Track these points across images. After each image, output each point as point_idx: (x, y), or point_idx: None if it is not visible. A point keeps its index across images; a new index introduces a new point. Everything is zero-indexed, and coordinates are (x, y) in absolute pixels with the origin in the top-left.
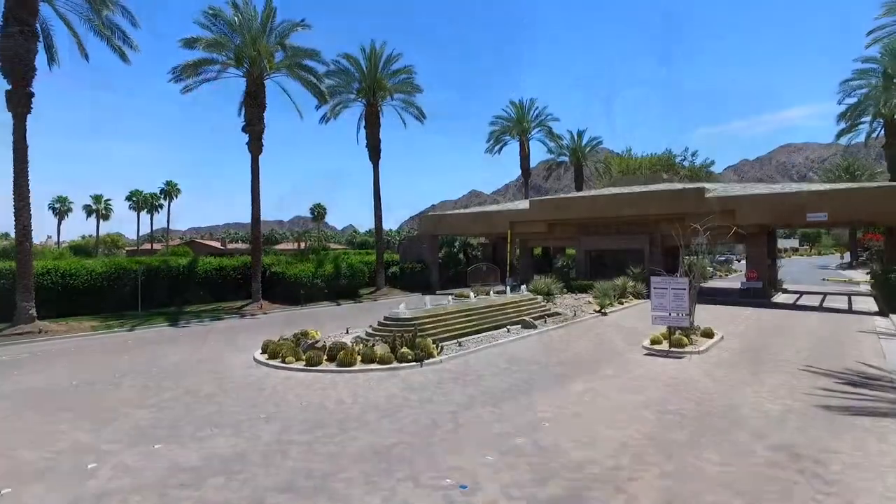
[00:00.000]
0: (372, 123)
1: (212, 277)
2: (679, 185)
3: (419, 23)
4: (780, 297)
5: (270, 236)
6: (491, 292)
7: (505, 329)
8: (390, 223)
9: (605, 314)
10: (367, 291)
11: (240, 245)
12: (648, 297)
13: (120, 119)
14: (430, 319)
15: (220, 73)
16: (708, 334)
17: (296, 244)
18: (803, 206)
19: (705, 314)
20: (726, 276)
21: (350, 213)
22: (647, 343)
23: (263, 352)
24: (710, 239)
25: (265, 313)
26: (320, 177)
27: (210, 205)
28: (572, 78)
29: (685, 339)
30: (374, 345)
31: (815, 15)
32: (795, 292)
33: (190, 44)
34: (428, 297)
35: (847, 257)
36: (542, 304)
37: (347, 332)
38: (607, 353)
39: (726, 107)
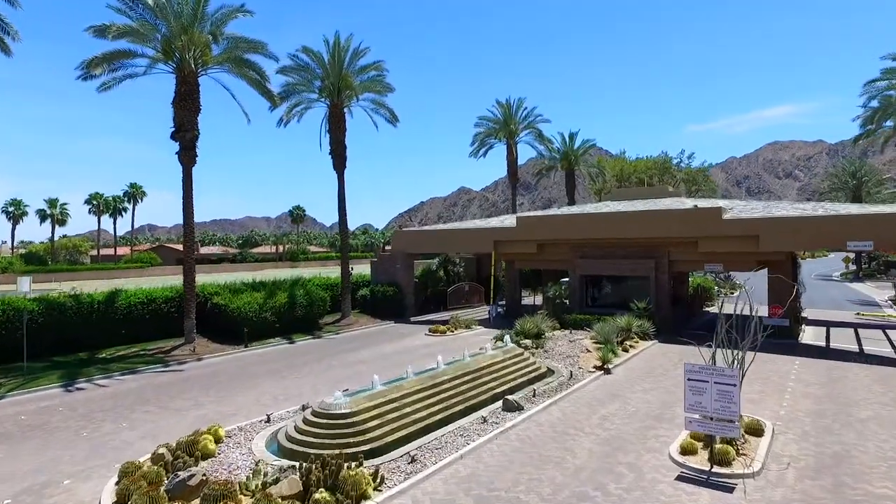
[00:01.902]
0: (336, 126)
1: (137, 312)
2: (689, 202)
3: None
4: (808, 335)
5: (250, 238)
6: (471, 325)
7: (480, 416)
8: (379, 221)
9: (608, 371)
10: (331, 320)
11: (216, 249)
12: (656, 337)
13: (111, 117)
14: (376, 411)
15: (148, 68)
16: (755, 430)
17: (275, 248)
18: (842, 231)
19: None
20: (731, 294)
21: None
22: (675, 450)
23: (119, 481)
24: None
25: (199, 359)
26: (310, 173)
27: (199, 201)
28: (564, 78)
29: (731, 452)
30: (277, 478)
31: (809, 14)
32: (819, 322)
33: (101, 32)
34: (376, 377)
35: (852, 265)
36: (530, 360)
37: (269, 421)
38: (622, 475)
39: (715, 105)
